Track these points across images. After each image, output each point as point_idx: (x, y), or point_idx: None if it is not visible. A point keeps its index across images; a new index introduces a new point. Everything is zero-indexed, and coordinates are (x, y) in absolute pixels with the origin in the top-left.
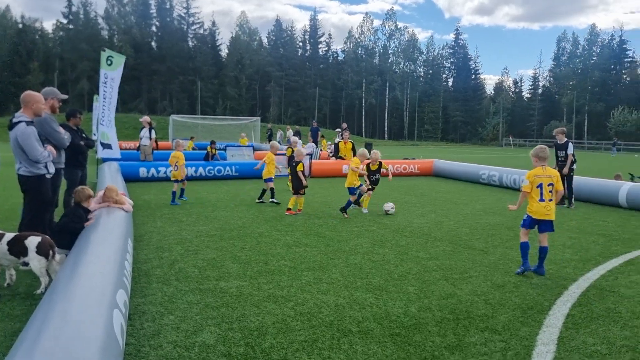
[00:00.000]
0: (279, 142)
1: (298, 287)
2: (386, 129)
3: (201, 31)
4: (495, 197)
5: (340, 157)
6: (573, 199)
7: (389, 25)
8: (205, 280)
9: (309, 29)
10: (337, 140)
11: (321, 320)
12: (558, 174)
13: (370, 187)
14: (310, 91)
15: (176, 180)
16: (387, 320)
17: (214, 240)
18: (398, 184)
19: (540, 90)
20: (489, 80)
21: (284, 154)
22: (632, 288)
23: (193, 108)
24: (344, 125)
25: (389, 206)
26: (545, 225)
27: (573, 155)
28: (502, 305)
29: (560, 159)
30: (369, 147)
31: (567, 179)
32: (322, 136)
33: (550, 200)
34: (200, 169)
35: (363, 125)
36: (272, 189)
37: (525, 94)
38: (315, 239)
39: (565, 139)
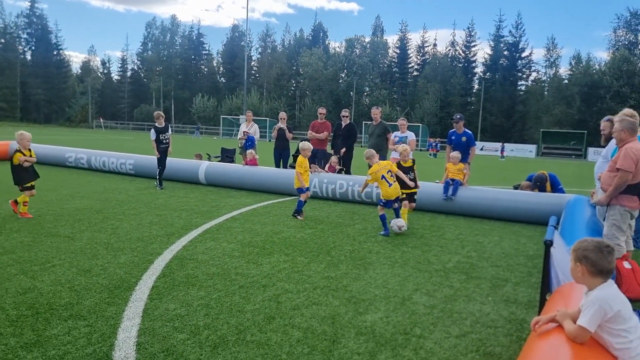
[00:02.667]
0: None
1: None
2: None
3: None
4: (84, 180)
5: None
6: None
7: None
8: None
9: None
10: None
11: None
12: (391, 163)
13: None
14: None
15: None
16: None
17: None
18: None
19: (129, 73)
20: (75, 59)
21: None
22: (207, 254)
23: None
24: None
25: (400, 223)
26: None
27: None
28: (89, 290)
29: (164, 141)
30: None
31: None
32: None
33: (395, 182)
34: None
35: None
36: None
37: (115, 75)
38: None
39: (165, 123)
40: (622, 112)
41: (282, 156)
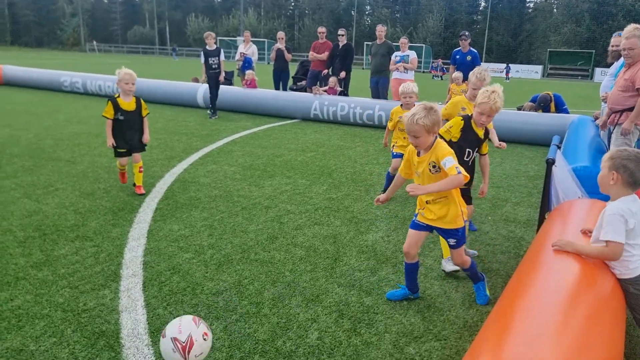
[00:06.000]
0: None
1: None
2: None
3: None
4: (81, 105)
5: None
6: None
7: None
8: None
9: None
10: None
11: None
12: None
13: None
14: None
15: None
16: None
17: None
18: None
19: None
20: None
21: None
22: (208, 177)
23: None
24: None
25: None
26: None
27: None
28: (93, 212)
29: (214, 66)
30: None
31: (217, 87)
32: None
33: None
34: None
35: None
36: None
37: None
38: None
39: (216, 46)
40: (631, 26)
41: (282, 78)
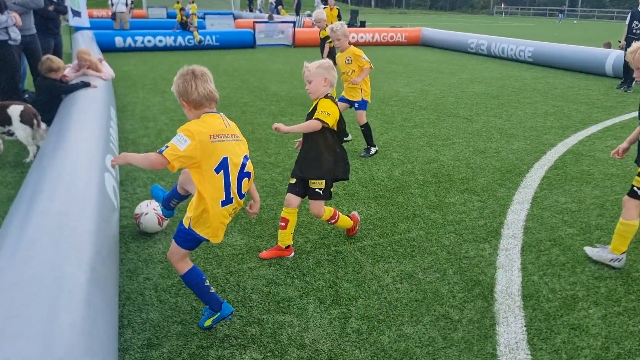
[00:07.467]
0: (259, 10)
1: (285, 154)
2: None
3: None
4: (483, 66)
5: None
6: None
7: None
8: None
9: None
10: (319, 7)
11: None
12: None
13: None
14: None
15: None
16: (372, 183)
17: None
18: (384, 53)
19: None
20: None
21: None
22: (606, 152)
23: None
24: None
25: None
26: None
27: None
28: (482, 169)
29: (635, 30)
30: (354, 14)
31: None
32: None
33: None
34: (179, 39)
35: None
36: None
37: None
38: (300, 109)
39: None
40: None
41: None
